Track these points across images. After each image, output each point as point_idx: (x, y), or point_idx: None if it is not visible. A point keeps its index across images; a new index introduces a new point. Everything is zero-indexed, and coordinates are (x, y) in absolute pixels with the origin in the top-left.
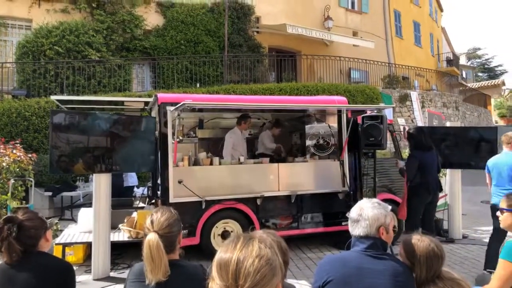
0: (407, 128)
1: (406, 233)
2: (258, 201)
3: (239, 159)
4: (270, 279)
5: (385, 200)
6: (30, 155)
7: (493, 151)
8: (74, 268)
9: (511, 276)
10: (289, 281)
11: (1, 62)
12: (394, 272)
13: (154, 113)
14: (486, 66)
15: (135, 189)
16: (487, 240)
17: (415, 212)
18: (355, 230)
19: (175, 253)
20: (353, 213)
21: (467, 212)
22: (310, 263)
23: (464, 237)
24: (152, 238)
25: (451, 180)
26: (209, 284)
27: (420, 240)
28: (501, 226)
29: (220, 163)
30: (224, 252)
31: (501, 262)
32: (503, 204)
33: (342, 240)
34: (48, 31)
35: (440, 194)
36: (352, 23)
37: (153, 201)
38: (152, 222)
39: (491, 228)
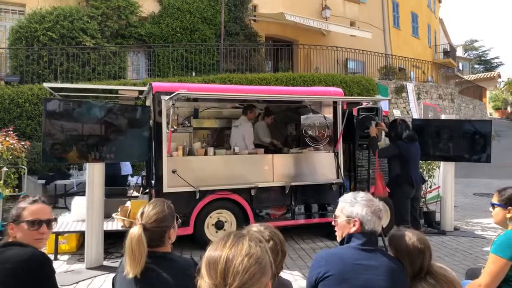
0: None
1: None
2: (252, 192)
3: (233, 150)
4: (259, 278)
5: None
6: (23, 143)
7: (487, 144)
8: (67, 256)
9: (501, 271)
10: (282, 271)
11: None
12: (389, 267)
13: (148, 102)
14: (482, 58)
15: (129, 178)
16: (478, 232)
17: (402, 206)
18: (380, 226)
19: (165, 246)
20: (381, 209)
21: (459, 204)
22: (303, 254)
23: (456, 229)
24: (134, 231)
25: (444, 172)
26: (198, 282)
27: (402, 235)
28: (493, 221)
29: (214, 154)
30: (213, 250)
31: (491, 257)
32: (494, 199)
33: (335, 230)
34: (41, 16)
35: (433, 186)
36: (350, 12)
37: (147, 190)
38: (142, 214)
39: (482, 220)
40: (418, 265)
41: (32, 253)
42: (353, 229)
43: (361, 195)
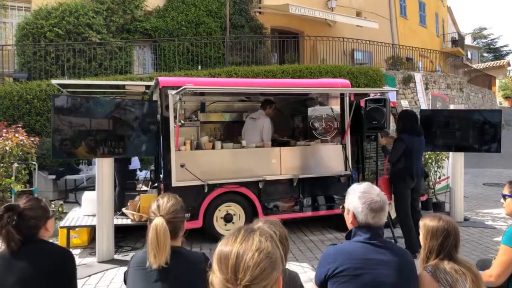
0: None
1: (398, 218)
2: (260, 185)
3: (241, 143)
4: (270, 273)
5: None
6: (32, 139)
7: (497, 134)
8: (79, 250)
9: None
10: (291, 263)
11: (1, 45)
12: (398, 262)
13: (155, 97)
14: (491, 46)
15: (138, 172)
16: (488, 222)
17: (402, 197)
18: (380, 220)
19: (177, 240)
20: (377, 201)
21: (469, 195)
22: (312, 246)
23: (466, 219)
24: (159, 222)
25: (453, 162)
26: (210, 276)
27: (434, 215)
28: (505, 213)
29: (222, 147)
30: (224, 245)
31: (502, 248)
32: (506, 191)
33: (343, 222)
34: (47, 12)
35: (442, 177)
36: (355, 3)
37: (156, 184)
38: (158, 206)
39: (492, 210)
40: (442, 245)
41: (65, 249)
42: (349, 221)
43: (362, 186)
